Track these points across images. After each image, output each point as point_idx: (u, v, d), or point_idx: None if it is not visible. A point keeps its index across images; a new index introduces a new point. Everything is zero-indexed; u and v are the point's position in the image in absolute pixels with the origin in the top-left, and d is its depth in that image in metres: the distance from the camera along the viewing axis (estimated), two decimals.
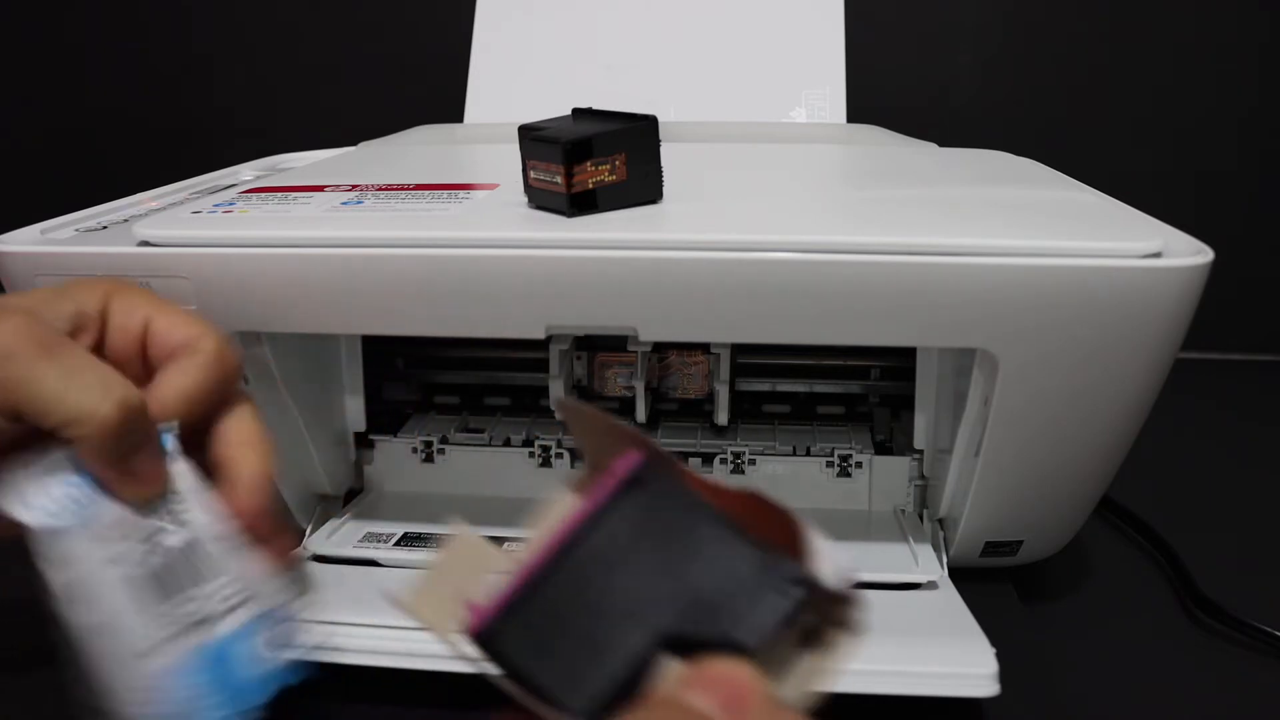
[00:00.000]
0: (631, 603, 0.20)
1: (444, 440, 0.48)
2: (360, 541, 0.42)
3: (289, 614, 0.31)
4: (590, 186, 0.37)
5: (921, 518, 0.45)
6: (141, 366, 0.31)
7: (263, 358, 0.40)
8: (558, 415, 0.24)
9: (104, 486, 0.29)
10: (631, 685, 0.20)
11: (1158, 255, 0.34)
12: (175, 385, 0.30)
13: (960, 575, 0.40)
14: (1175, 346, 0.35)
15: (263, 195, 0.42)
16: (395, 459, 0.48)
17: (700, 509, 0.21)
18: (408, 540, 0.42)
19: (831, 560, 0.21)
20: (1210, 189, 0.78)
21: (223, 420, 0.32)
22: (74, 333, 0.30)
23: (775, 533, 0.21)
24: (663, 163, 0.39)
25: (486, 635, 0.20)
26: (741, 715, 0.19)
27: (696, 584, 0.20)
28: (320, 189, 0.43)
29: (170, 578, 0.29)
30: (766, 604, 0.20)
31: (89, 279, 0.32)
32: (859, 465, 0.46)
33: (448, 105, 0.69)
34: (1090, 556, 0.47)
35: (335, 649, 0.34)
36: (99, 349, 0.31)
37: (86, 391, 0.28)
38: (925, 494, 0.45)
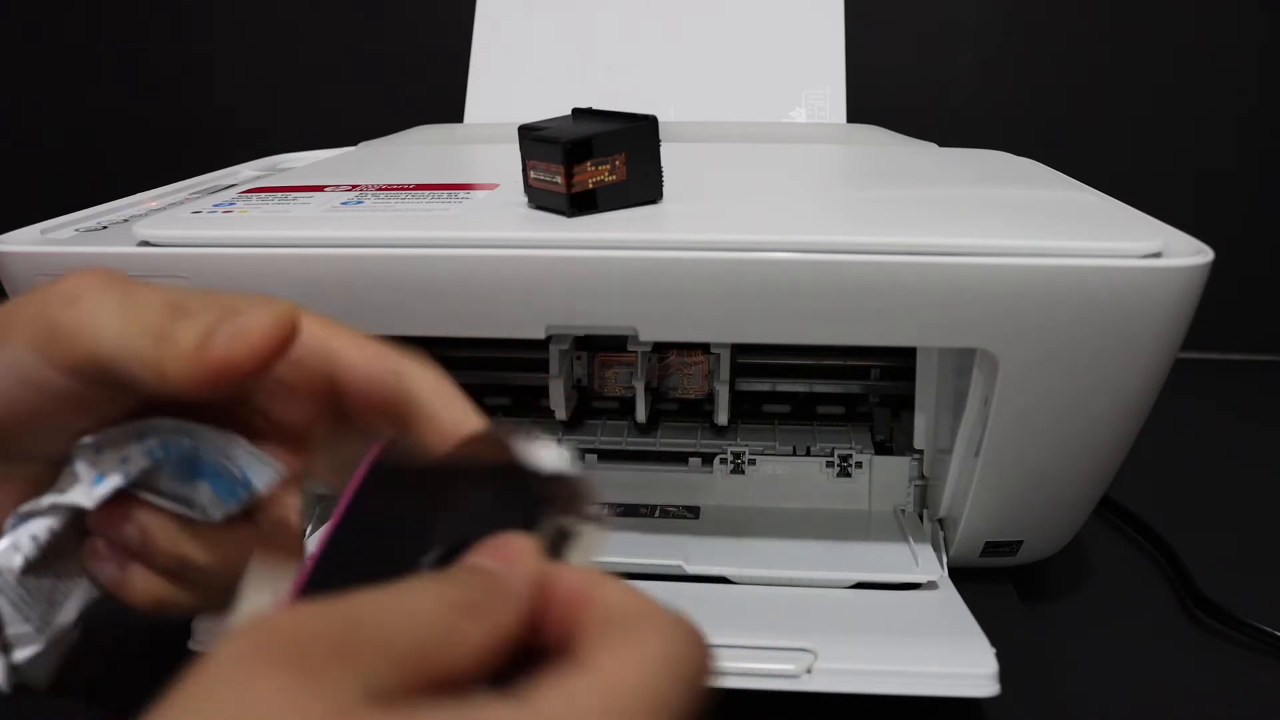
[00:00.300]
0: (400, 552, 0.22)
1: None
2: None
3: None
4: (590, 186, 0.37)
5: (921, 518, 0.45)
6: (329, 403, 0.27)
7: None
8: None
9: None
10: None
11: (1158, 255, 0.34)
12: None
13: (960, 575, 0.40)
14: (1175, 346, 0.35)
15: (263, 195, 0.42)
16: None
17: (436, 469, 0.24)
18: None
19: (549, 454, 0.23)
20: (1210, 189, 0.78)
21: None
22: None
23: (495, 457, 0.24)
24: (663, 163, 0.39)
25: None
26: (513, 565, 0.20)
27: (450, 528, 0.22)
28: (320, 189, 0.43)
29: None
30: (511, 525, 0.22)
31: (245, 295, 0.26)
32: (859, 465, 0.46)
33: (448, 105, 0.69)
34: (1090, 556, 0.47)
35: None
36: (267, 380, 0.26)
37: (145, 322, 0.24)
38: (925, 494, 0.45)
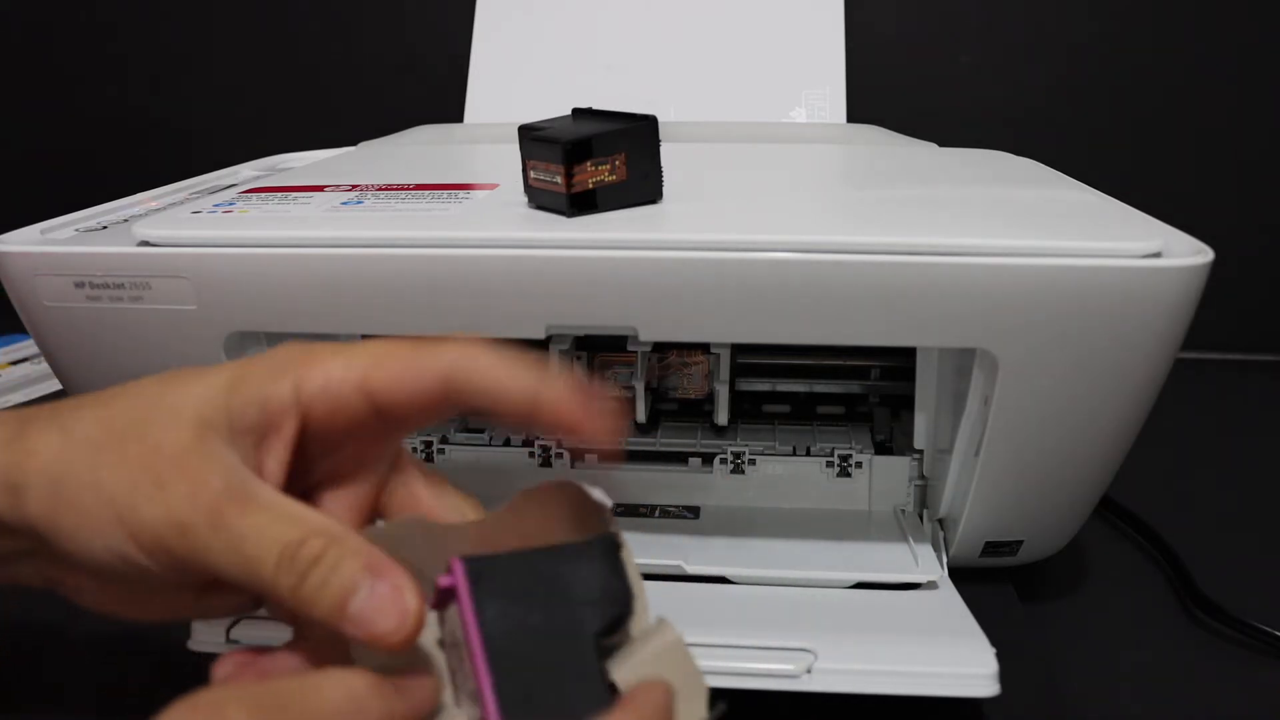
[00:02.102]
0: (568, 640, 0.24)
1: (444, 440, 0.48)
2: None
3: None
4: (590, 186, 0.37)
5: (921, 518, 0.44)
6: (382, 426, 0.27)
7: None
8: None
9: None
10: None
11: (1158, 255, 0.34)
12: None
13: (960, 575, 0.40)
14: (1175, 346, 0.35)
15: (263, 195, 0.42)
16: None
17: (520, 556, 0.25)
18: None
19: (599, 491, 0.26)
20: (1210, 189, 0.78)
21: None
22: (262, 438, 0.26)
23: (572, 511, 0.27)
24: (663, 163, 0.39)
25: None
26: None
27: (584, 595, 0.25)
28: (320, 189, 0.43)
29: None
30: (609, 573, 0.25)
31: (269, 357, 0.27)
32: (859, 465, 0.46)
33: (448, 105, 0.69)
34: (1090, 556, 0.47)
35: None
36: (304, 442, 0.27)
37: (263, 557, 0.24)
38: (925, 494, 0.45)
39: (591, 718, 0.23)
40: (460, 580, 0.24)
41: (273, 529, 0.24)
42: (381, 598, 0.23)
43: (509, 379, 0.26)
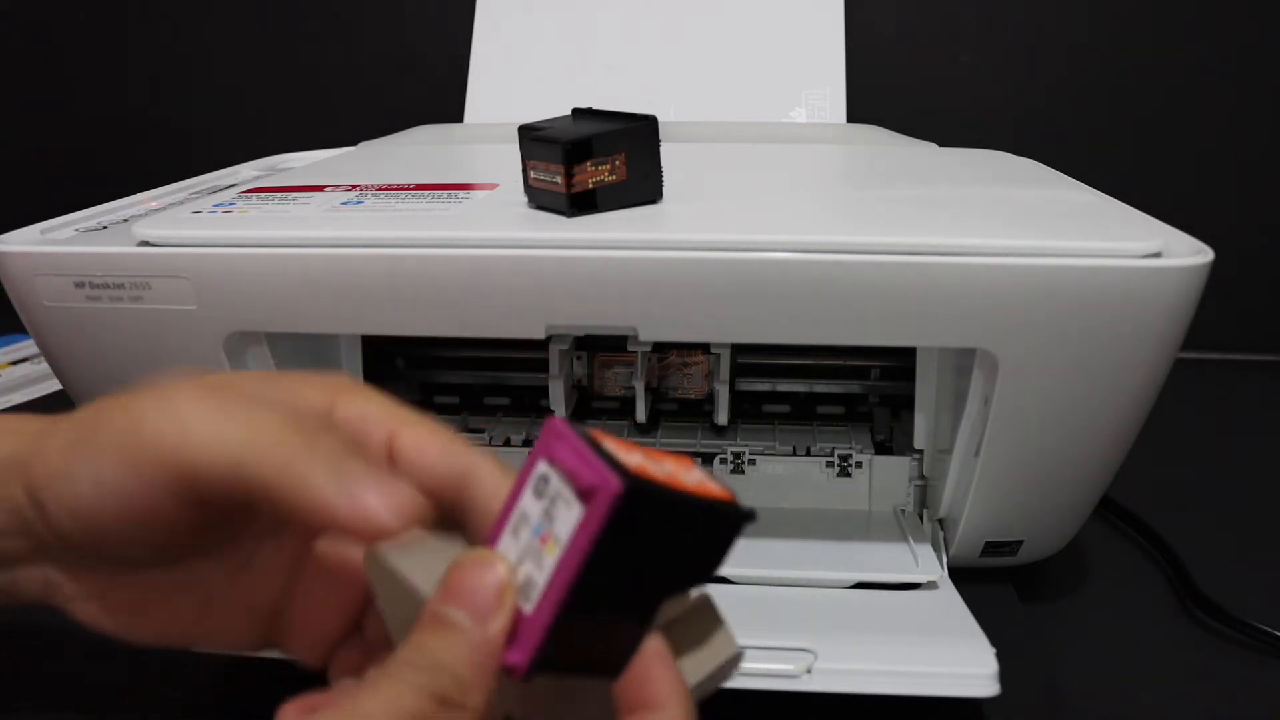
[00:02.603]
0: (627, 592, 0.22)
1: None
2: None
3: None
4: (590, 186, 0.37)
5: (921, 518, 0.44)
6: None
7: (263, 358, 0.40)
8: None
9: None
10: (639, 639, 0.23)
11: (1158, 255, 0.34)
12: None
13: (960, 575, 0.40)
14: (1175, 346, 0.35)
15: (263, 195, 0.42)
16: None
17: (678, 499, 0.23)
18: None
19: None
20: (1210, 189, 0.78)
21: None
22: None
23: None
24: (663, 163, 0.39)
25: (528, 671, 0.21)
26: (486, 623, 0.21)
27: (667, 558, 0.23)
28: (320, 189, 0.43)
29: None
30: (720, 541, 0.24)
31: (315, 372, 0.27)
32: (859, 465, 0.46)
33: (448, 105, 0.69)
34: (1090, 556, 0.47)
35: None
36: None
37: (265, 427, 0.23)
38: (925, 494, 0.45)
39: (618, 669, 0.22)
40: (607, 497, 0.20)
41: (272, 413, 0.23)
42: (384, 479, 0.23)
43: (439, 445, 0.25)
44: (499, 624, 0.21)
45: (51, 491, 0.24)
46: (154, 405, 0.24)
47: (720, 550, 0.24)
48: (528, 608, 0.21)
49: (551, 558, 0.21)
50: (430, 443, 0.25)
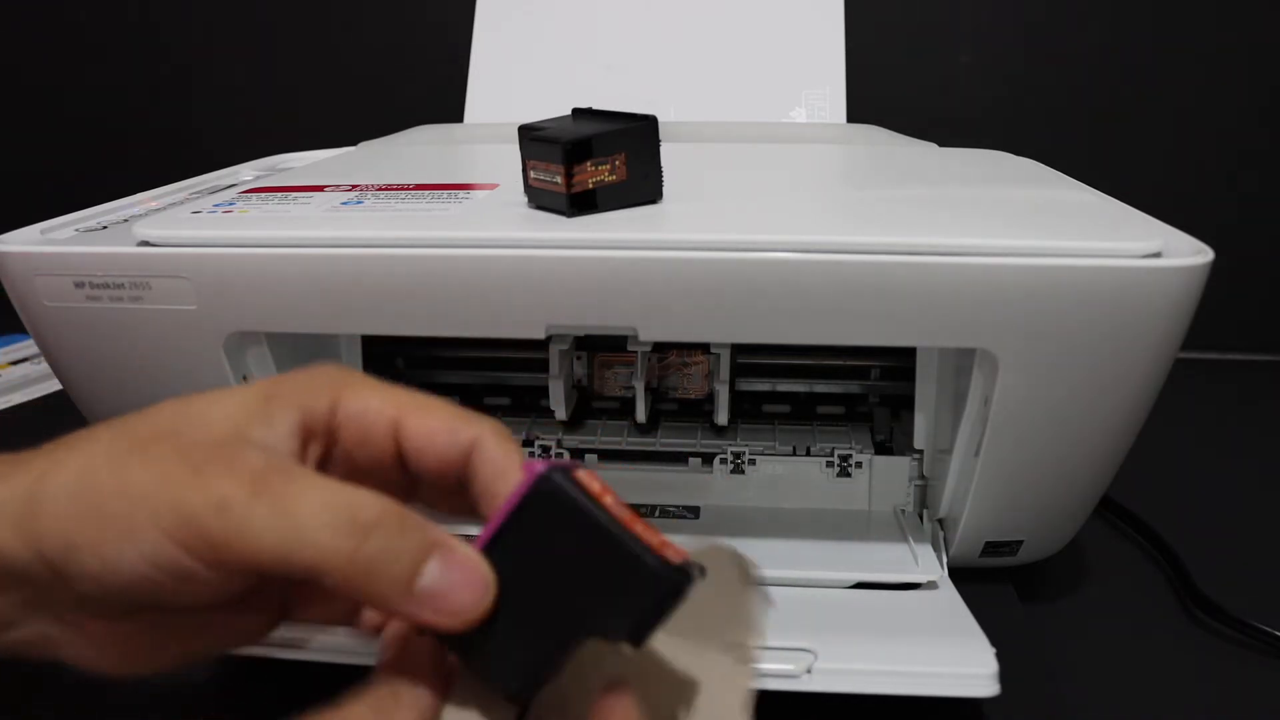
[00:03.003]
0: (542, 606, 0.23)
1: None
2: None
3: None
4: (590, 186, 0.37)
5: (921, 518, 0.45)
6: (400, 475, 0.26)
7: (263, 358, 0.40)
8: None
9: None
10: (548, 668, 0.24)
11: (1158, 255, 0.34)
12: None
13: (960, 575, 0.40)
14: (1175, 346, 0.35)
15: (263, 195, 0.42)
16: None
17: (588, 515, 0.23)
18: None
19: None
20: (1210, 189, 0.78)
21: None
22: (302, 445, 0.25)
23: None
24: (663, 163, 0.39)
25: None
26: None
27: (587, 587, 0.23)
28: (320, 189, 0.43)
29: None
30: (644, 598, 0.23)
31: (307, 373, 0.26)
32: (859, 465, 0.46)
33: (448, 105, 0.69)
34: (1090, 556, 0.47)
35: (333, 650, 0.34)
36: (333, 461, 0.26)
37: (314, 521, 0.22)
38: (925, 494, 0.45)
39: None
40: (531, 475, 0.23)
41: (324, 493, 0.22)
42: (459, 566, 0.22)
43: (516, 470, 0.25)
44: None
45: (75, 563, 0.23)
46: (190, 481, 0.22)
47: (648, 609, 0.23)
48: None
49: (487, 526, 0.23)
50: (436, 426, 0.25)
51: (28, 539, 0.23)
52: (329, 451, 0.25)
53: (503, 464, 0.25)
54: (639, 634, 0.23)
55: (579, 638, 0.23)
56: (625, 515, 0.23)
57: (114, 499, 0.22)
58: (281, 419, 0.24)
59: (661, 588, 0.22)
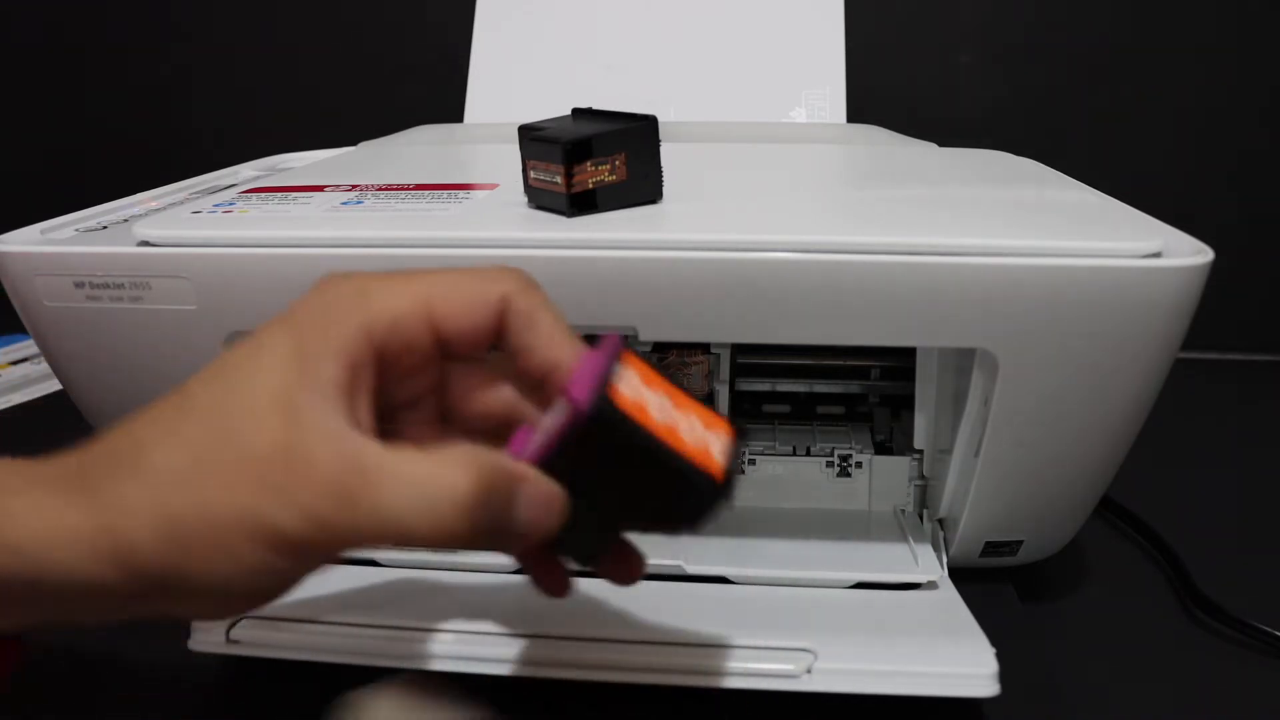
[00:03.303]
0: (603, 503, 0.26)
1: None
2: None
3: None
4: (590, 186, 0.37)
5: (921, 518, 0.44)
6: (436, 351, 0.27)
7: None
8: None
9: None
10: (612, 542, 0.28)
11: (1158, 255, 0.34)
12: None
13: (960, 575, 0.40)
14: (1175, 346, 0.35)
15: (263, 195, 0.42)
16: None
17: (633, 437, 0.25)
18: None
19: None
20: (1210, 189, 0.78)
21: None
22: (349, 394, 0.25)
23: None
24: (663, 163, 0.39)
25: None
26: None
27: (642, 491, 0.26)
28: (320, 189, 0.43)
29: None
30: (691, 503, 0.26)
31: (324, 305, 0.26)
32: (859, 465, 0.46)
33: (448, 105, 0.69)
34: (1090, 556, 0.47)
35: (333, 650, 0.34)
36: (388, 372, 0.26)
37: (410, 515, 0.23)
38: (925, 494, 0.45)
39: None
40: (573, 412, 0.24)
41: (409, 485, 0.23)
42: (538, 498, 0.25)
43: (547, 315, 0.27)
44: None
45: (178, 587, 0.23)
46: (278, 501, 0.23)
47: (692, 509, 0.26)
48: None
49: (537, 437, 0.25)
50: (464, 302, 0.27)
51: (127, 572, 0.23)
52: (383, 364, 0.26)
53: (532, 316, 0.27)
54: (692, 529, 0.26)
55: (636, 527, 0.27)
56: (668, 422, 0.25)
57: (208, 531, 0.23)
58: (323, 374, 0.24)
59: (704, 498, 0.25)
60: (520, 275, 0.27)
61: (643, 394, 0.25)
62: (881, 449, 0.47)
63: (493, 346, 0.27)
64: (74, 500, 0.23)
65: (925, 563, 0.40)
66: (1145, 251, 0.33)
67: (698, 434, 0.26)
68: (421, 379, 0.28)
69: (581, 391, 0.24)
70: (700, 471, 0.25)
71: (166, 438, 0.24)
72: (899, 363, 0.47)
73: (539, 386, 0.28)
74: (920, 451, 0.45)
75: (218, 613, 0.27)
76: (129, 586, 0.23)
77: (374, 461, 0.23)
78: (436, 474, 0.23)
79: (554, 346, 0.27)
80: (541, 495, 0.25)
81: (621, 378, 0.25)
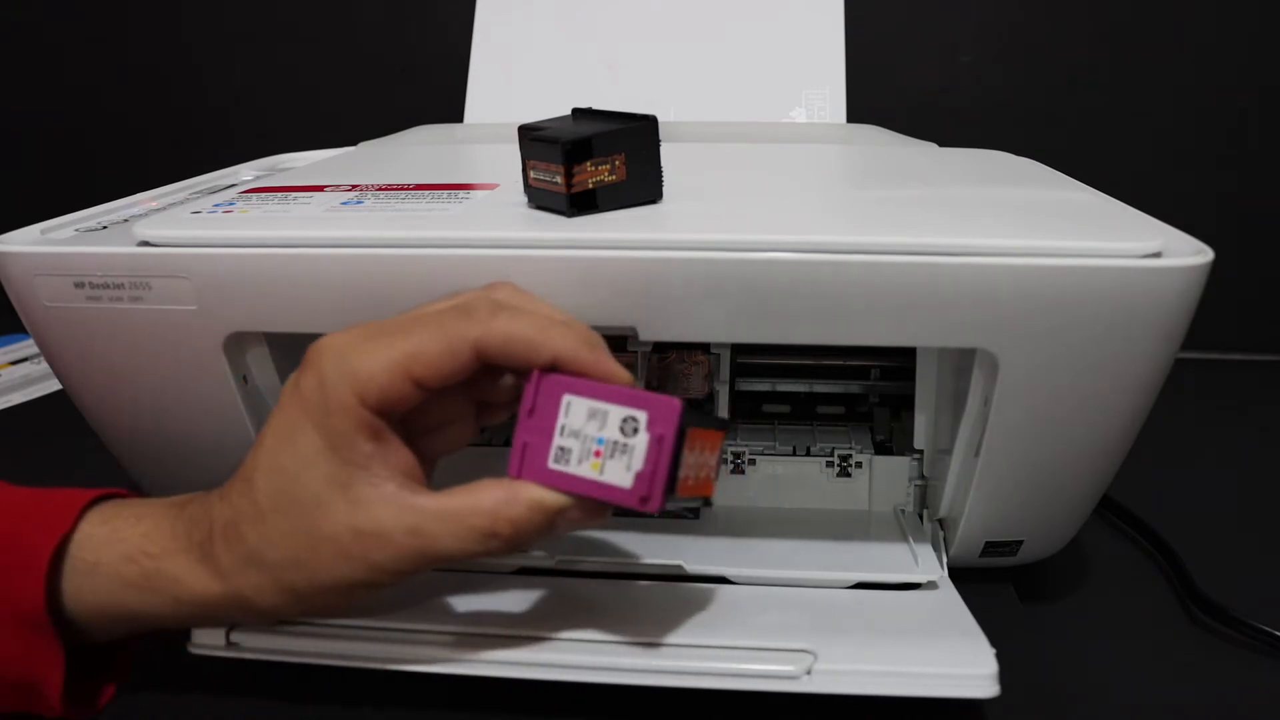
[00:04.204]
0: None
1: None
2: None
3: None
4: (590, 186, 0.37)
5: (921, 518, 0.44)
6: (424, 394, 0.31)
7: (263, 358, 0.40)
8: None
9: None
10: None
11: (1158, 255, 0.34)
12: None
13: (960, 575, 0.40)
14: (1175, 346, 0.35)
15: (263, 195, 0.42)
16: None
17: None
18: None
19: None
20: (1210, 189, 0.78)
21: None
22: (378, 449, 0.30)
23: None
24: (663, 163, 0.39)
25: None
26: None
27: None
28: (320, 189, 0.43)
29: None
30: None
31: (315, 389, 0.30)
32: (859, 465, 0.46)
33: (448, 105, 0.69)
34: (1090, 556, 0.47)
35: (332, 653, 0.34)
36: (408, 418, 0.32)
37: (457, 544, 0.30)
38: (925, 494, 0.45)
39: None
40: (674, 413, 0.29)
41: (464, 522, 0.30)
42: (533, 510, 0.30)
43: (532, 337, 0.30)
44: None
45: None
46: (369, 569, 0.31)
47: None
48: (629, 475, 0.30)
49: (640, 450, 0.29)
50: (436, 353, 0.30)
51: (252, 617, 0.33)
52: (387, 417, 0.30)
53: (509, 346, 0.30)
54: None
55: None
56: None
57: (317, 594, 0.31)
58: (355, 453, 0.30)
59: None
60: (484, 309, 0.31)
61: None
62: (881, 449, 0.47)
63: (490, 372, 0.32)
64: (212, 572, 0.31)
65: (925, 563, 0.40)
66: (1145, 251, 0.33)
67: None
68: (437, 405, 0.32)
69: (659, 403, 0.30)
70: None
71: (260, 530, 0.31)
72: (899, 363, 0.47)
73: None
74: (920, 451, 0.45)
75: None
76: (244, 619, 0.34)
77: (424, 519, 0.30)
78: (464, 511, 0.30)
79: (542, 350, 0.30)
80: (539, 505, 0.30)
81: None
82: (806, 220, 0.39)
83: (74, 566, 0.32)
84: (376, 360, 0.30)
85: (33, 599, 0.31)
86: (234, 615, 0.33)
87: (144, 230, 0.37)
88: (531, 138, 0.38)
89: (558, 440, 0.30)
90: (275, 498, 0.30)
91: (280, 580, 0.31)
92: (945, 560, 0.41)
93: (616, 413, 0.30)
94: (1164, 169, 0.78)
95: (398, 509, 0.30)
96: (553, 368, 0.31)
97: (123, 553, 0.32)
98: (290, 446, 0.30)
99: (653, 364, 0.48)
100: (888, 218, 0.38)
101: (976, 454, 0.38)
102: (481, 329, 0.30)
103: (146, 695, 0.36)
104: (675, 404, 0.29)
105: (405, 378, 0.30)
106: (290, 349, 0.41)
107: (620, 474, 0.30)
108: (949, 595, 0.38)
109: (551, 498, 0.30)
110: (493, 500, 0.30)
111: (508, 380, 0.34)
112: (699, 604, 0.37)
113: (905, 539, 0.42)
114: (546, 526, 0.30)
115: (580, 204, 0.37)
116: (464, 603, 0.37)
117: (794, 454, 0.47)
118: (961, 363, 0.40)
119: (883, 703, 0.33)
